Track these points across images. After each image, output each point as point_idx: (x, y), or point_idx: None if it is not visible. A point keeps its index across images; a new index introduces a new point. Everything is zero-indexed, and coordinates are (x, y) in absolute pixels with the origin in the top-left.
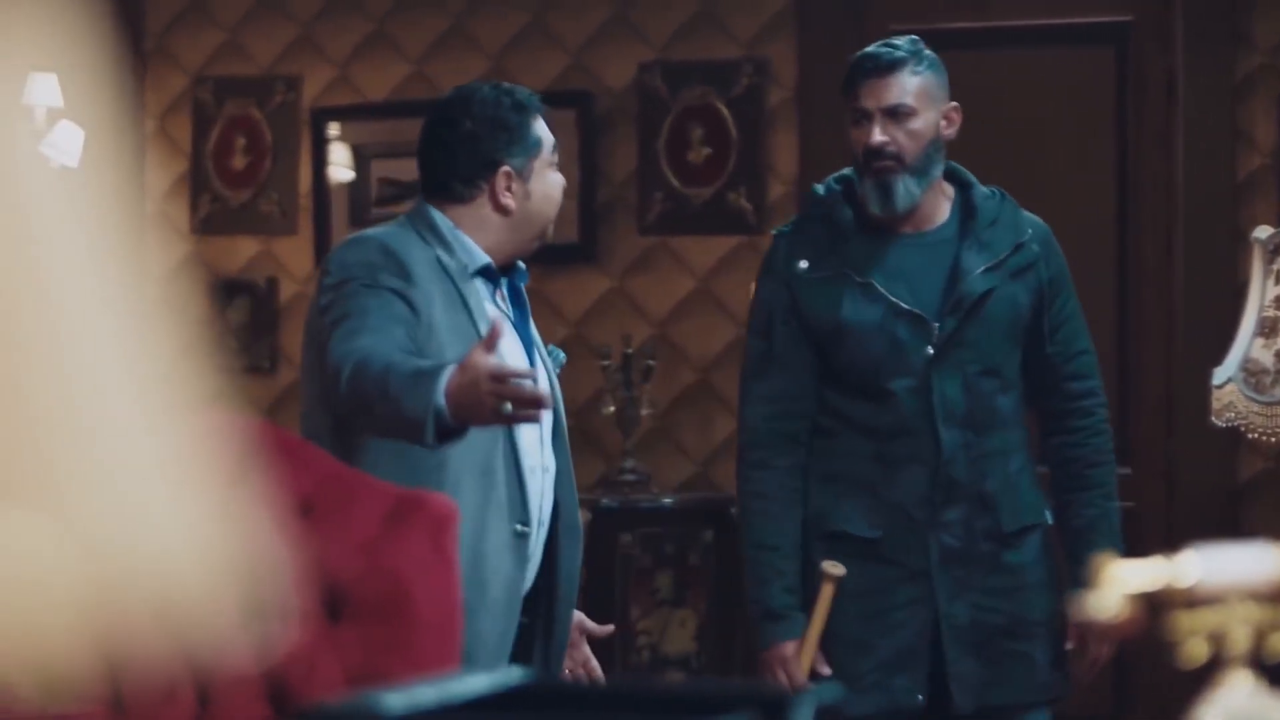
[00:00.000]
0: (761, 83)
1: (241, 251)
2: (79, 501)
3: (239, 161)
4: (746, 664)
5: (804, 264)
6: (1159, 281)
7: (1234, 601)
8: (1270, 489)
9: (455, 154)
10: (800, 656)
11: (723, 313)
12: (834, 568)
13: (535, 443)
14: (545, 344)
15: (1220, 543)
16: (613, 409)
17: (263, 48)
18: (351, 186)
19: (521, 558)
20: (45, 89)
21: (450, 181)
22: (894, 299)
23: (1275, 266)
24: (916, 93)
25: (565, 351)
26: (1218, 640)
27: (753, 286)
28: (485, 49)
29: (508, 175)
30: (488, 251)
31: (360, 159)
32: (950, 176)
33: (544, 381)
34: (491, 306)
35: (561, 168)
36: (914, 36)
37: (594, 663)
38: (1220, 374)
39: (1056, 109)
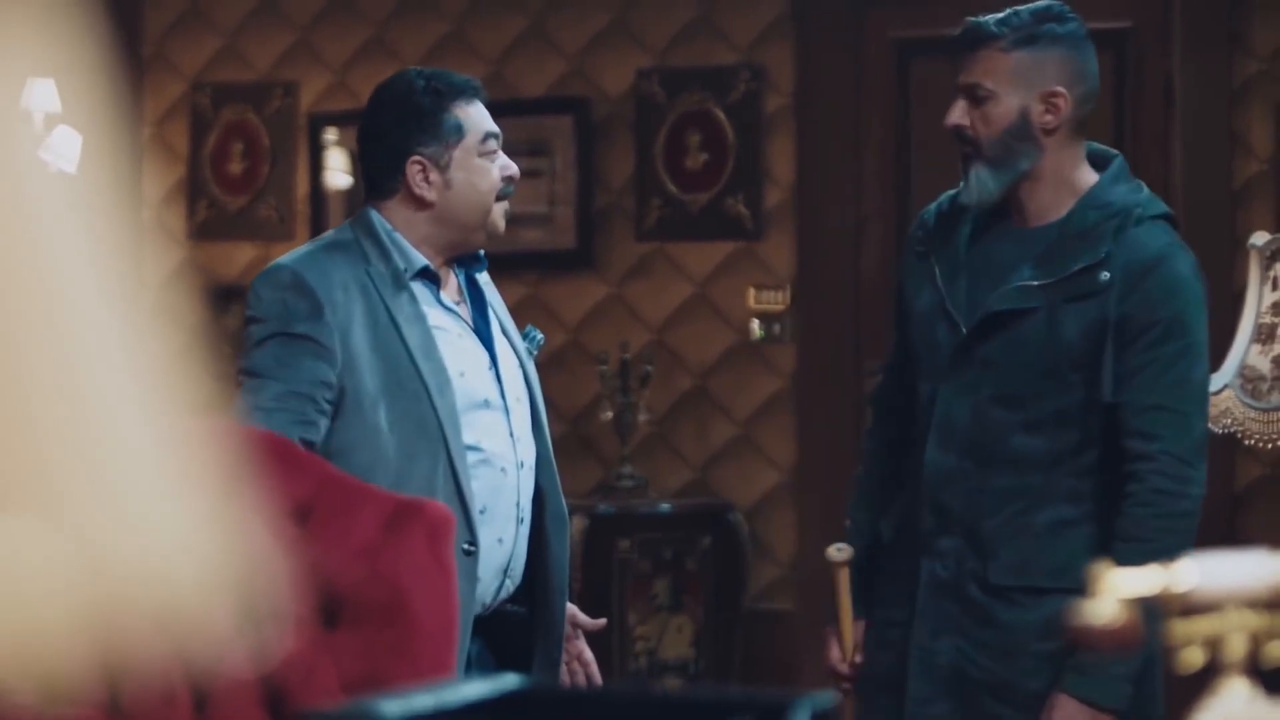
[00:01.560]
0: (759, 89)
1: (238, 257)
2: (77, 507)
3: (236, 167)
4: (744, 669)
5: (918, 234)
6: None
7: (1231, 608)
8: (1267, 495)
9: (371, 146)
10: (835, 649)
11: (720, 319)
12: (838, 552)
13: (504, 438)
14: (522, 328)
15: (1217, 549)
16: (610, 415)
17: (260, 54)
18: (348, 192)
19: (470, 577)
20: (44, 94)
21: (374, 177)
22: (943, 291)
23: (1272, 273)
24: (999, 73)
25: (562, 358)
26: (1214, 647)
27: (750, 291)
28: (483, 55)
29: (420, 164)
30: (423, 248)
31: (357, 164)
32: (1101, 167)
33: (513, 371)
34: (435, 309)
35: (559, 174)
36: (1043, 5)
37: (589, 655)
38: (1217, 380)
39: None
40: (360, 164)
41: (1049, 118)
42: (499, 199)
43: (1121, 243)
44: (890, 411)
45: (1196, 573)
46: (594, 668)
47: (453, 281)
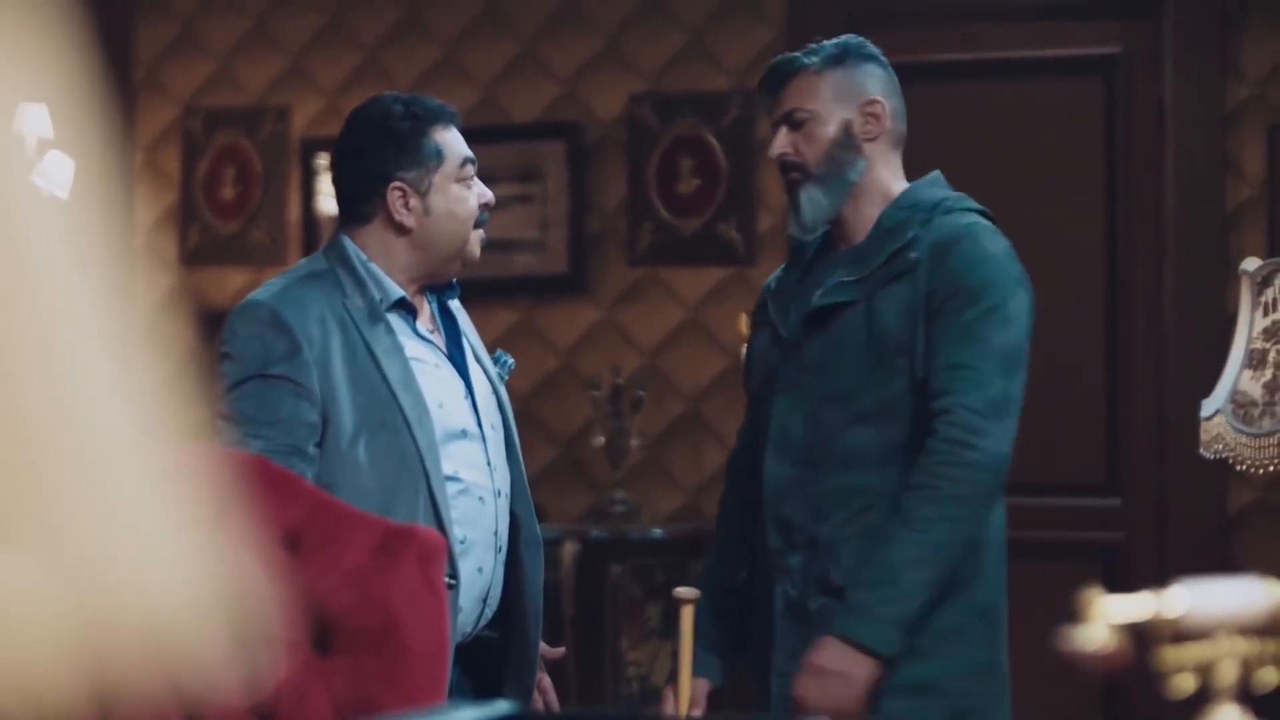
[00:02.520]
0: (751, 114)
1: (230, 282)
2: (67, 533)
3: (228, 192)
4: (736, 695)
5: (761, 298)
6: (1148, 312)
7: (1222, 634)
8: (1260, 520)
9: (348, 171)
10: (671, 701)
11: (712, 344)
12: (687, 593)
13: (481, 467)
14: (520, 361)
15: (1210, 574)
16: (602, 439)
17: (252, 78)
18: None
19: (451, 609)
20: (36, 119)
21: (350, 203)
22: (775, 319)
23: (1263, 298)
24: (816, 94)
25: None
26: (1206, 673)
27: (743, 318)
28: (476, 79)
29: (400, 190)
30: (398, 275)
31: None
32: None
33: (487, 397)
34: (412, 340)
35: (551, 198)
36: (845, 38)
37: (548, 682)
38: (1209, 405)
39: (1046, 140)
40: (336, 189)
41: (870, 126)
42: (476, 226)
43: (929, 228)
44: (742, 471)
45: (1188, 598)
46: (553, 694)
47: (426, 309)
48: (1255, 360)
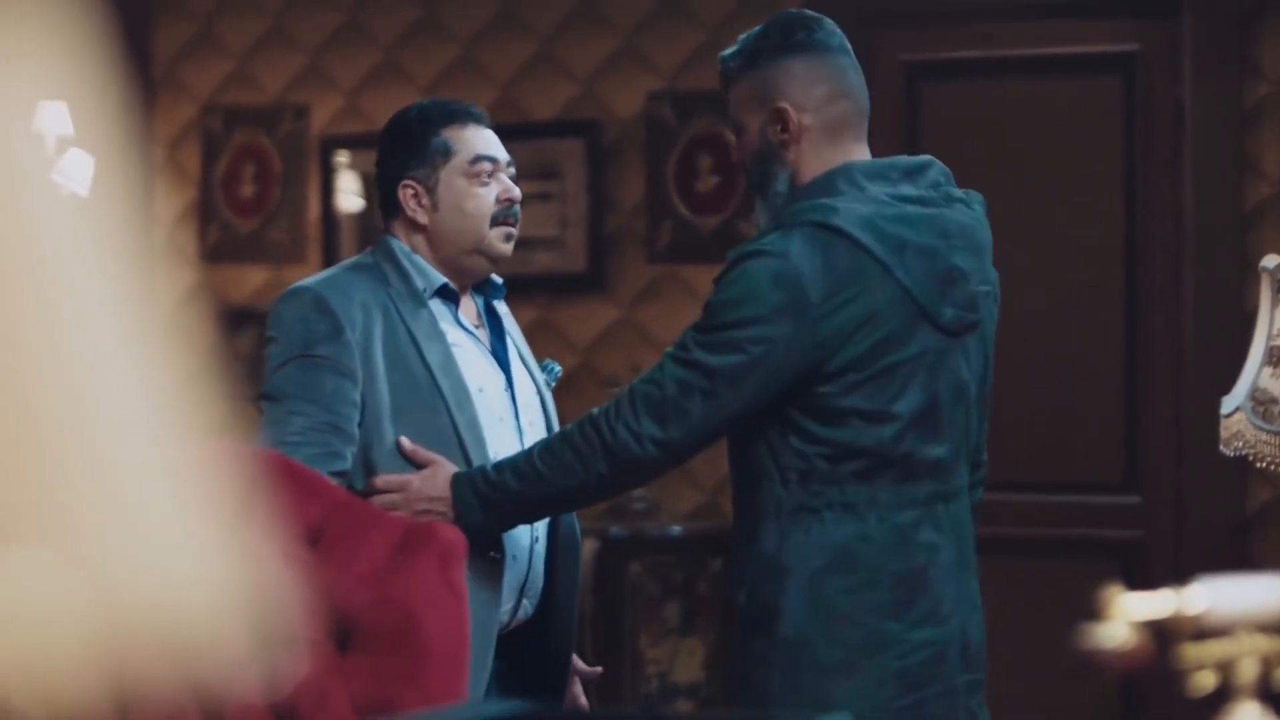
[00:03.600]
0: None
1: (250, 280)
2: (87, 532)
3: (248, 190)
4: None
5: None
6: (1167, 310)
7: (1242, 632)
8: (1279, 518)
9: (377, 174)
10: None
11: None
12: None
13: None
14: (540, 359)
15: (1229, 573)
16: None
17: (271, 77)
18: (360, 215)
19: (495, 584)
20: (55, 117)
21: (381, 203)
22: None
23: None
24: (739, 102)
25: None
26: (1226, 671)
27: None
28: (494, 78)
29: (412, 189)
30: (436, 268)
31: (369, 187)
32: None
33: (530, 395)
34: (454, 328)
35: (570, 197)
36: (772, 20)
37: (583, 700)
38: (1228, 403)
39: (1064, 139)
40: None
41: (783, 135)
42: (499, 223)
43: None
44: None
45: (1208, 596)
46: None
47: (471, 307)
48: (1275, 358)
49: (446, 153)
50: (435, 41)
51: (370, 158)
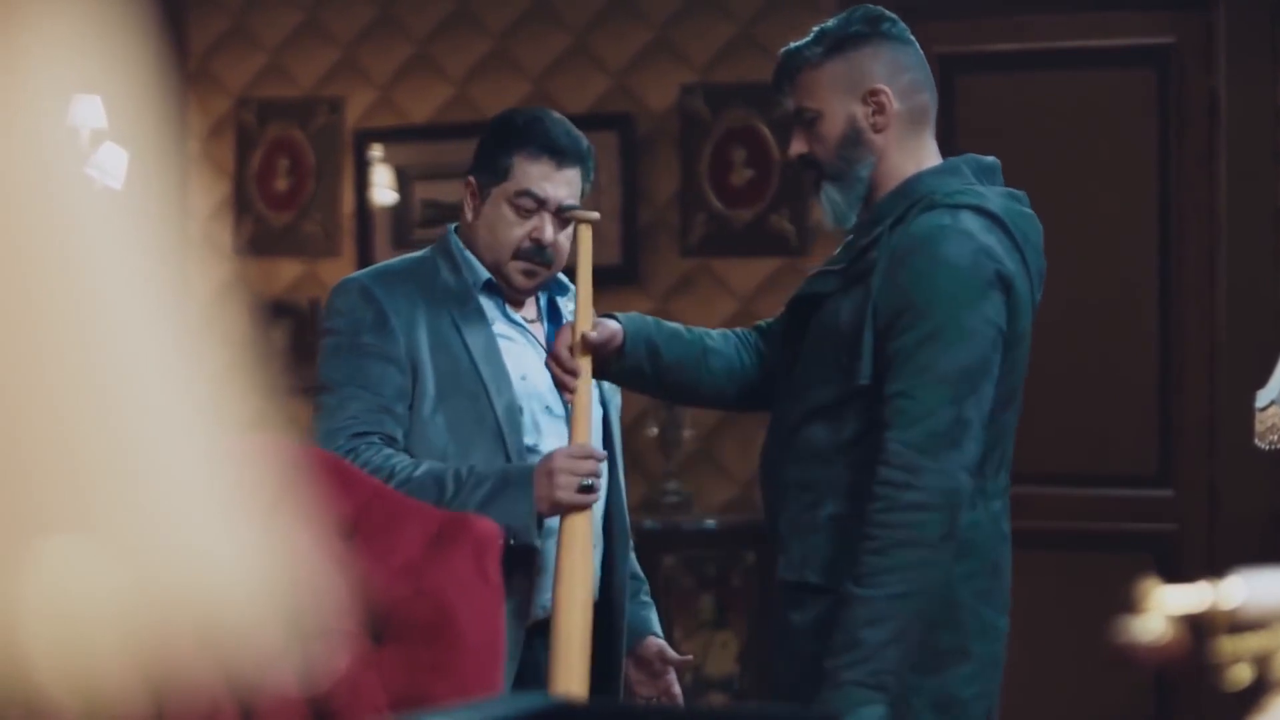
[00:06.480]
0: None
1: (284, 273)
2: (125, 526)
3: (282, 183)
4: None
5: None
6: (1201, 303)
7: (1278, 625)
8: None
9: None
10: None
11: None
12: (585, 215)
13: (562, 445)
14: None
15: (1263, 566)
16: (655, 431)
17: (305, 70)
18: (394, 208)
19: (540, 577)
20: (90, 111)
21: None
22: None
23: None
24: (818, 89)
25: None
26: (1262, 664)
27: None
28: (527, 71)
29: (471, 186)
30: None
31: (403, 181)
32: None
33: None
34: (500, 320)
35: (603, 190)
36: (848, 12)
37: (676, 689)
38: (1263, 396)
39: (1098, 131)
40: None
41: (877, 117)
42: (520, 258)
43: (899, 228)
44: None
45: (1244, 589)
46: (679, 701)
47: (531, 302)
48: None
49: (505, 175)
50: (468, 35)
51: (404, 151)
